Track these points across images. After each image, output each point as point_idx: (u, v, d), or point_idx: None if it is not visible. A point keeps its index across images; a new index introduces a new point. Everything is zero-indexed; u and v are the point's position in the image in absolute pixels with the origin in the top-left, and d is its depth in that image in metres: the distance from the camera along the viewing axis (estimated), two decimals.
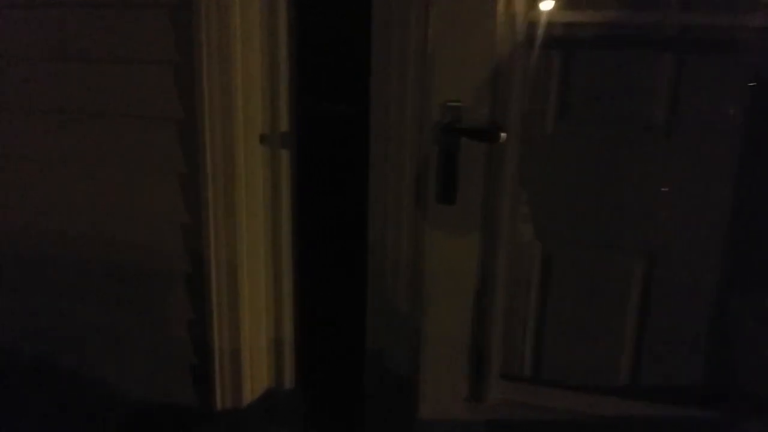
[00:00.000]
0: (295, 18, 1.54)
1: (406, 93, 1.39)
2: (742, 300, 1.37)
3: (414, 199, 1.44)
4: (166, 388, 1.74)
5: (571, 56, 1.34)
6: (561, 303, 1.47)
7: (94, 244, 1.71)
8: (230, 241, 1.57)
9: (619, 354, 1.45)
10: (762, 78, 1.26)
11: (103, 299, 1.74)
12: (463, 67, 1.33)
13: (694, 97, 1.29)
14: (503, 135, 1.29)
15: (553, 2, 1.33)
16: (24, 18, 1.62)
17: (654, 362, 1.44)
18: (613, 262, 1.41)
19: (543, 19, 1.33)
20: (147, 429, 1.78)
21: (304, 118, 1.63)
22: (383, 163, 1.45)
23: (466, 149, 1.35)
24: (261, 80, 1.53)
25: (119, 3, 1.53)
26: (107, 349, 1.77)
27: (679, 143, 1.32)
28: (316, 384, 1.82)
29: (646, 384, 1.46)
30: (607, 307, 1.43)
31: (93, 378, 1.79)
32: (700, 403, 1.43)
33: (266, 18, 1.50)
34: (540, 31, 1.34)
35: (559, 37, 1.34)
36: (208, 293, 1.61)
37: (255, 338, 1.67)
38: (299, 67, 1.58)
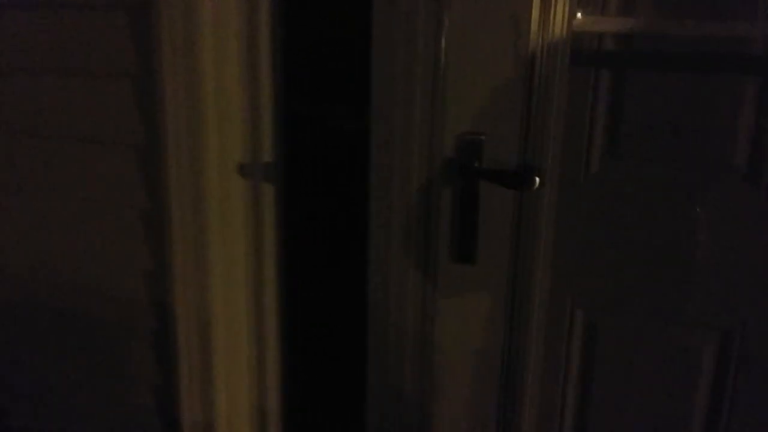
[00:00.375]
0: (280, 22, 1.29)
1: (413, 122, 1.12)
2: None
3: (423, 256, 1.16)
4: None
5: (625, 77, 1.06)
6: (608, 386, 1.19)
7: (43, 289, 1.48)
8: (202, 293, 1.33)
9: None
10: None
11: (54, 354, 1.51)
12: (484, 89, 1.06)
13: None
14: (537, 180, 1.01)
15: (603, 8, 1.04)
16: None
17: None
18: (676, 338, 1.13)
19: (589, 29, 1.05)
20: None
21: (293, 145, 1.38)
22: (385, 208, 1.17)
23: (489, 194, 1.07)
24: (239, 98, 1.29)
25: (64, 2, 1.28)
26: (60, 412, 1.54)
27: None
28: None
29: None
30: (668, 394, 1.15)
31: None
32: None
33: (245, 21, 1.25)
34: (585, 45, 1.06)
35: (610, 53, 1.06)
36: (176, 354, 1.37)
37: (233, 406, 1.43)
38: (287, 83, 1.33)
